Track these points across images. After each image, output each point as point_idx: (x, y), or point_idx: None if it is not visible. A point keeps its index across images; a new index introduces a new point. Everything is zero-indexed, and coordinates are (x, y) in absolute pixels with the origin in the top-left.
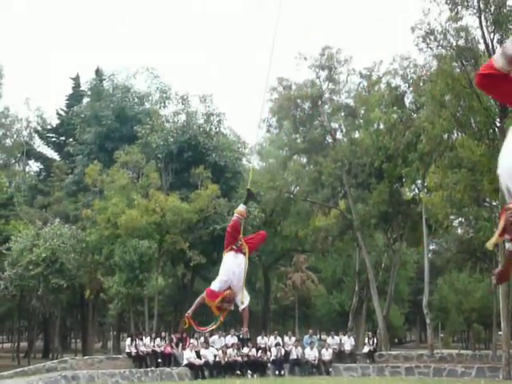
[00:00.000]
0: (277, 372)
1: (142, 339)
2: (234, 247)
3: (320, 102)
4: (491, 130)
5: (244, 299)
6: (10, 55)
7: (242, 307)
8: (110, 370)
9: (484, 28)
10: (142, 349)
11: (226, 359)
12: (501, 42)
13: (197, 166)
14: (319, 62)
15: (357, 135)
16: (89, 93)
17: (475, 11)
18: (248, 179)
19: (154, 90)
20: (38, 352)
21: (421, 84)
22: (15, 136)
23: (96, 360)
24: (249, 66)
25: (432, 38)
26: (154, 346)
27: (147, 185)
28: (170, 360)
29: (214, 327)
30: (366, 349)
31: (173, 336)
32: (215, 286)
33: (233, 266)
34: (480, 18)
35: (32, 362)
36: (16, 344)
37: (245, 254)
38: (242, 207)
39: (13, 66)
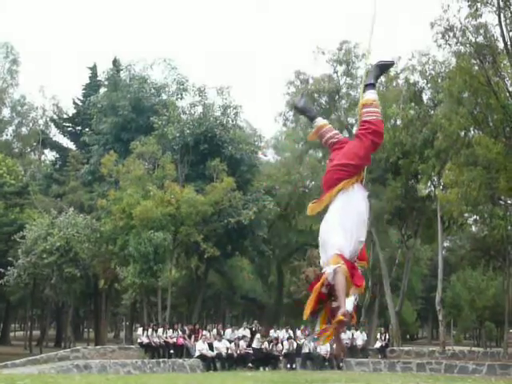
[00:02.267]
0: (288, 365)
1: (156, 330)
2: (362, 178)
3: (337, 96)
4: (508, 128)
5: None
6: (27, 43)
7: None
8: (123, 359)
9: (503, 26)
10: (155, 340)
11: (238, 352)
12: None
13: (213, 158)
14: (337, 56)
15: None
16: (106, 83)
17: (495, 8)
18: (265, 173)
19: (171, 82)
20: (50, 341)
21: (439, 81)
22: (31, 124)
23: (108, 350)
24: (266, 60)
25: (451, 34)
26: (166, 337)
27: (163, 176)
28: (182, 351)
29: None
30: (377, 344)
31: (185, 327)
32: (344, 247)
33: (365, 215)
34: (499, 15)
35: (44, 350)
36: (28, 332)
37: None
38: (374, 95)
39: (29, 53)
